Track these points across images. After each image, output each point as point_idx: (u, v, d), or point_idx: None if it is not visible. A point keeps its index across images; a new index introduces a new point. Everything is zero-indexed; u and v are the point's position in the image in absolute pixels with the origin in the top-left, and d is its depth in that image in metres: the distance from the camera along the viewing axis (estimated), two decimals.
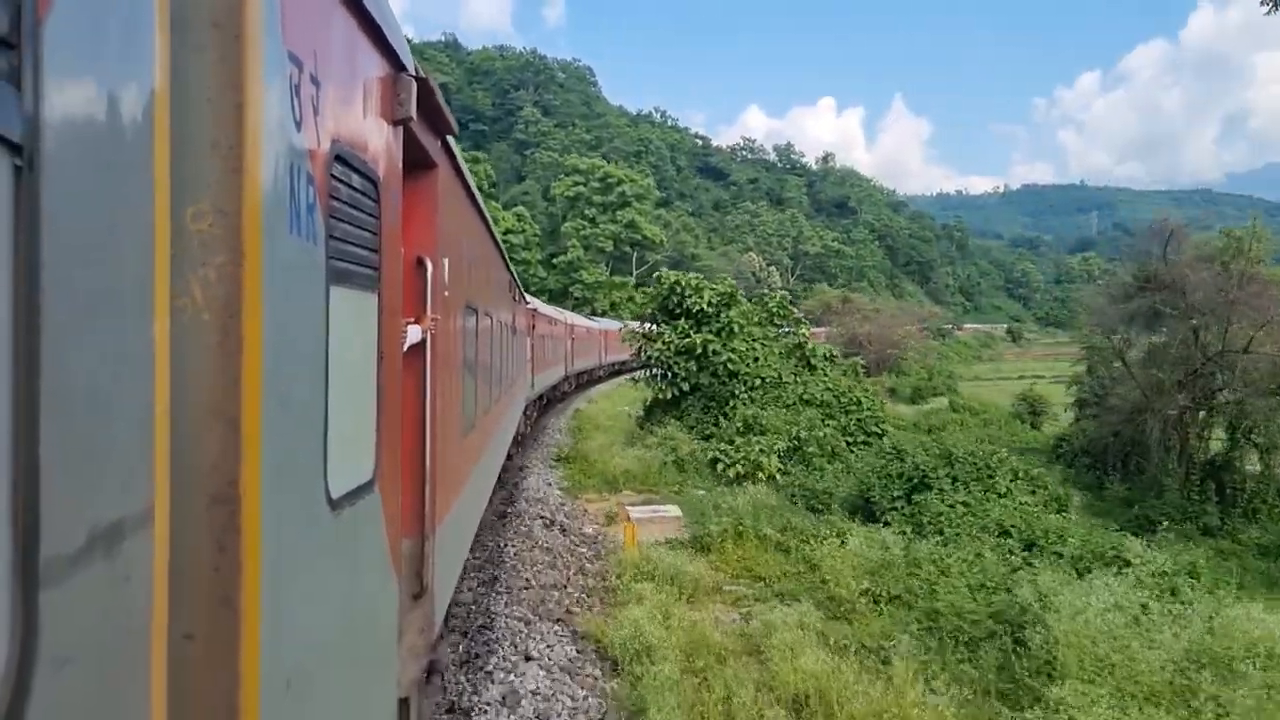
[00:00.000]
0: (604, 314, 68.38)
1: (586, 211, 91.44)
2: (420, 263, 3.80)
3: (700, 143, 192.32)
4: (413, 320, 3.65)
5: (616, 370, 45.27)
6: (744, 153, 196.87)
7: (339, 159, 2.22)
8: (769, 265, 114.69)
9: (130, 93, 1.29)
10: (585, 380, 37.32)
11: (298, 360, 1.92)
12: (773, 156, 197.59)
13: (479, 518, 7.88)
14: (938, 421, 37.29)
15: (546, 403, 25.96)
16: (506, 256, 10.16)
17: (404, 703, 3.40)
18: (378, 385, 2.72)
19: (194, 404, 1.52)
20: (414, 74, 3.08)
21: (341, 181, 2.27)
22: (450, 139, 4.27)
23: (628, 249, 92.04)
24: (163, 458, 1.40)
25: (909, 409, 45.14)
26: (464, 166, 4.99)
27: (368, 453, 2.60)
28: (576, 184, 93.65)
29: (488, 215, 6.87)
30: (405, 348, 3.42)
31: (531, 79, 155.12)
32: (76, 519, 1.13)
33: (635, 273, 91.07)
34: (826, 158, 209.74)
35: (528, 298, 17.25)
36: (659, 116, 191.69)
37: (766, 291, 49.24)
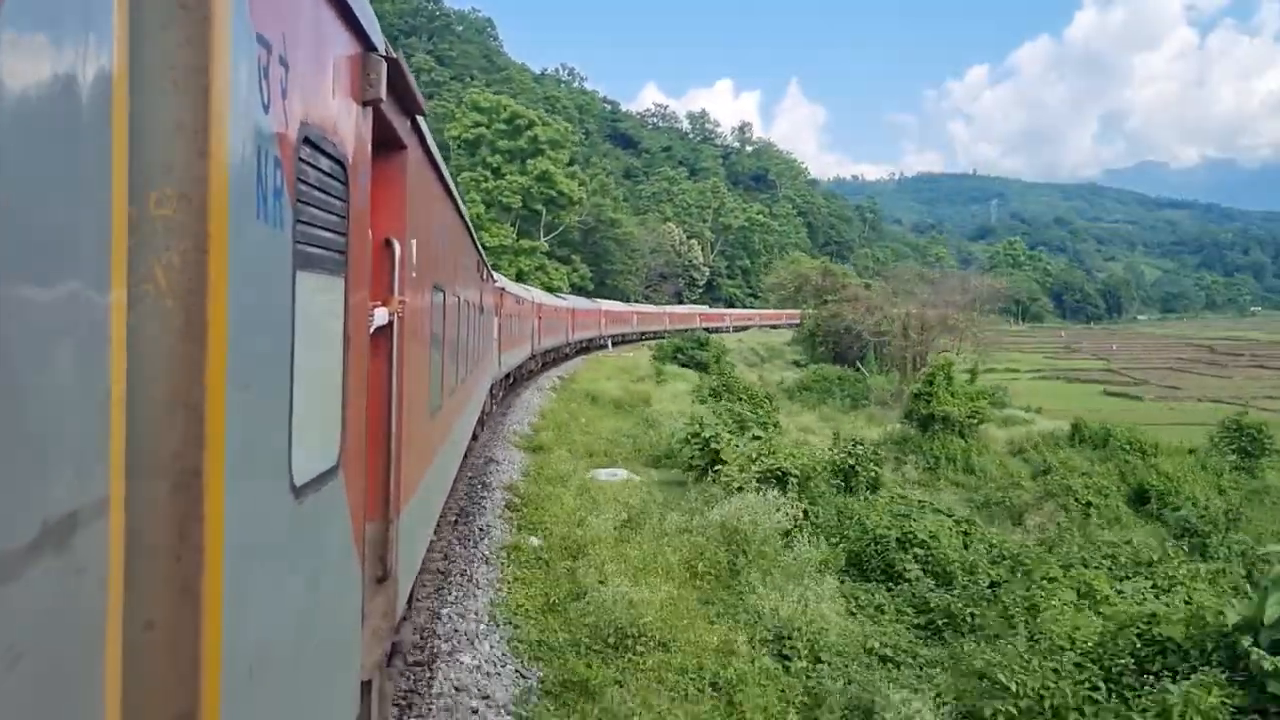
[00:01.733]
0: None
1: (490, 159, 75.97)
2: (388, 244, 3.77)
3: (609, 107, 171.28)
4: (379, 303, 3.62)
5: (584, 348, 45.09)
6: (654, 120, 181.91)
7: (307, 142, 2.20)
8: (690, 238, 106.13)
9: (89, 73, 1.26)
10: (552, 359, 37.05)
11: (262, 347, 1.90)
12: (686, 125, 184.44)
13: (444, 500, 7.88)
14: (1111, 470, 24.23)
15: (513, 381, 25.78)
16: (475, 236, 10.09)
17: (366, 685, 3.43)
18: (343, 371, 2.71)
19: (157, 391, 1.51)
20: (384, 54, 3.04)
21: (310, 165, 2.24)
22: (420, 119, 4.22)
23: (539, 206, 76.10)
24: (119, 446, 1.39)
25: (1000, 432, 31.87)
26: (433, 147, 4.95)
27: (333, 439, 2.59)
28: (477, 124, 77.32)
29: (456, 195, 6.82)
30: (371, 330, 3.40)
31: (425, 25, 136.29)
32: (27, 511, 1.12)
33: (546, 237, 77.76)
34: (743, 128, 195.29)
35: (496, 276, 17.16)
36: (566, 74, 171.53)
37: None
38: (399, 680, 5.58)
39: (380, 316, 3.59)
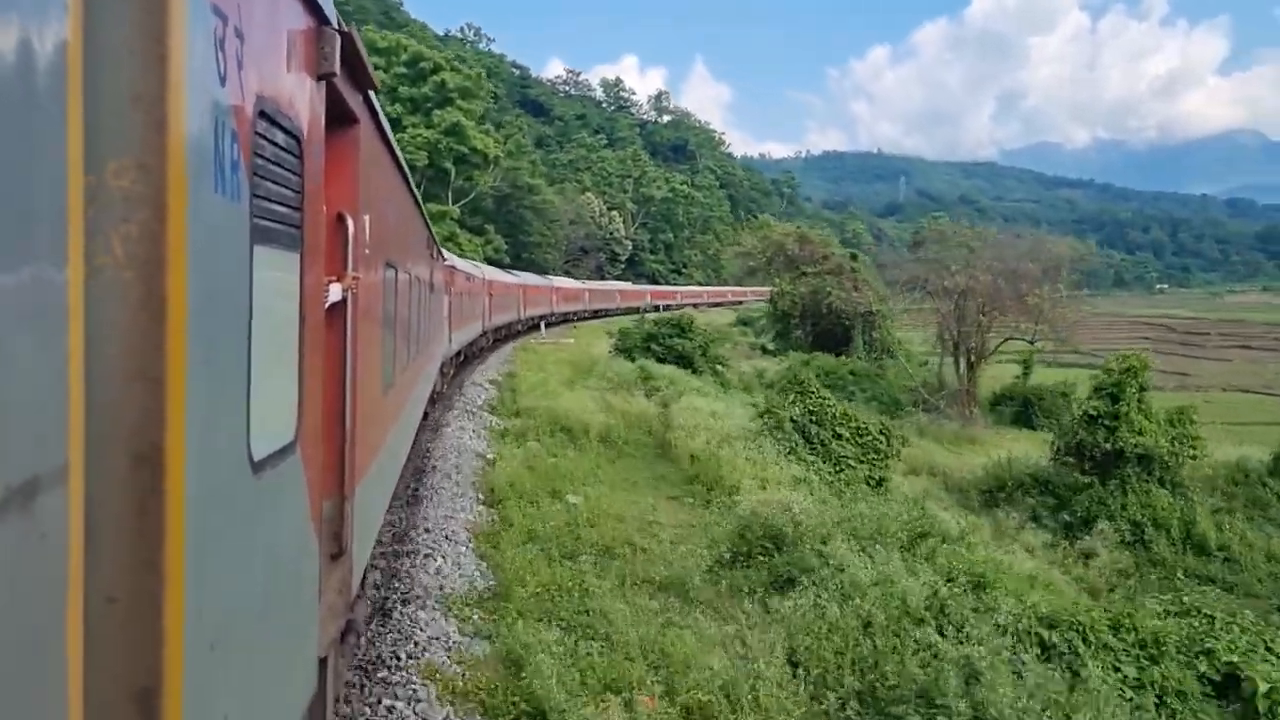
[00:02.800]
0: None
1: (389, 109, 61.95)
2: (341, 219, 3.74)
3: (518, 72, 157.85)
4: (333, 279, 3.59)
5: (533, 325, 44.68)
6: (566, 88, 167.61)
7: (263, 115, 2.19)
8: (610, 209, 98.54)
9: (42, 43, 1.25)
10: (504, 335, 36.61)
11: (221, 321, 1.90)
12: (600, 94, 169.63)
13: (397, 476, 7.83)
14: None
15: (464, 359, 25.44)
16: (425, 213, 9.99)
17: (322, 662, 3.44)
18: (300, 347, 2.70)
19: (115, 363, 1.50)
20: (337, 27, 3.02)
21: (265, 138, 2.23)
22: (372, 94, 4.19)
23: (447, 165, 66.15)
24: (78, 417, 1.39)
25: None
26: (385, 122, 4.90)
27: (290, 414, 2.60)
28: (375, 69, 69.69)
29: (407, 171, 6.76)
30: (325, 307, 3.38)
31: None
32: None
33: (457, 203, 69.49)
34: (659, 96, 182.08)
35: (446, 254, 16.94)
36: (472, 34, 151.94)
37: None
38: (352, 658, 5.56)
39: (334, 292, 3.56)
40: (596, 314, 63.96)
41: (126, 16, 1.50)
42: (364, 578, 5.06)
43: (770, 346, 49.98)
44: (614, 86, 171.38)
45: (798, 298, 47.85)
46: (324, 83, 3.01)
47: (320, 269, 3.10)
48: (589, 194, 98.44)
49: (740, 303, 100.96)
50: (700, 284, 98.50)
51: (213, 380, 1.81)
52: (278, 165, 2.38)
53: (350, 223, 3.75)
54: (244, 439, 2.06)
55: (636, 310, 74.77)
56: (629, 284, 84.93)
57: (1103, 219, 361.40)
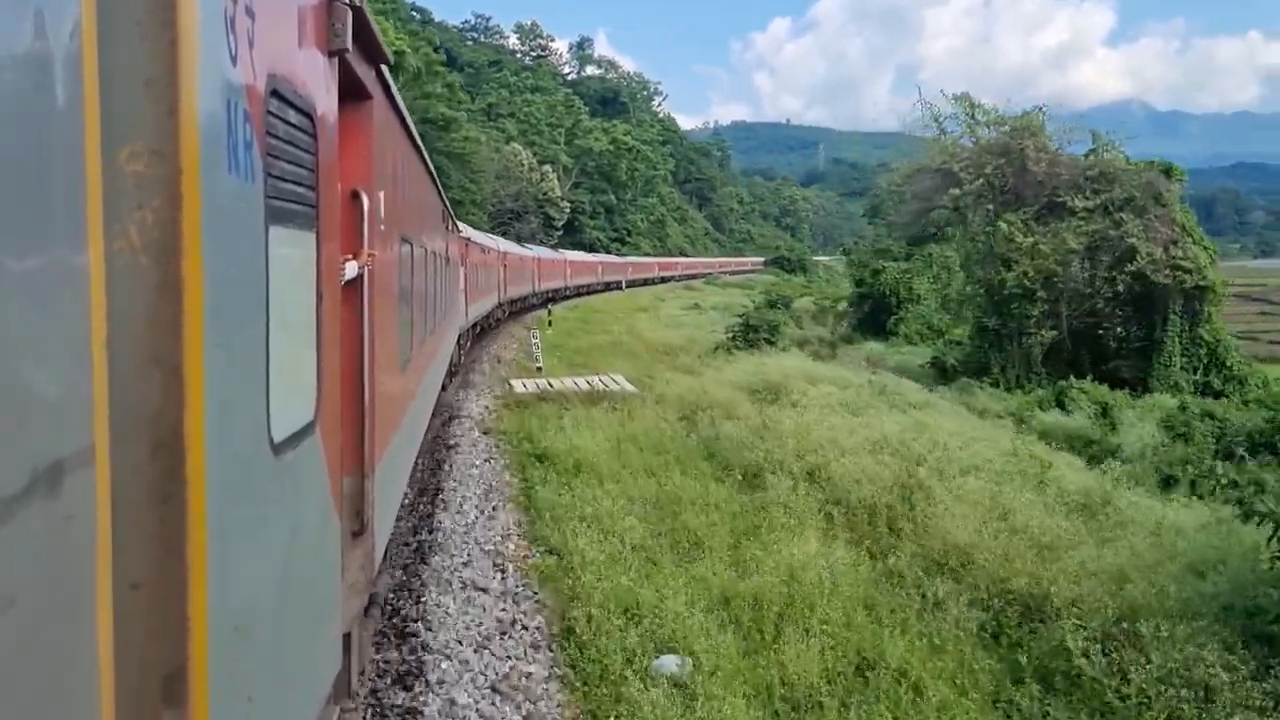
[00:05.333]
0: None
1: None
2: (356, 196, 3.72)
3: (419, 16, 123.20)
4: (349, 256, 3.57)
5: (550, 298, 44.57)
6: (474, 35, 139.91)
7: (275, 94, 2.17)
8: (542, 164, 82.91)
9: (58, 29, 1.24)
10: (519, 308, 36.82)
11: (238, 303, 1.90)
12: (515, 41, 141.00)
13: (415, 452, 7.82)
14: None
15: (480, 330, 25.76)
16: (440, 185, 9.91)
17: (346, 638, 3.49)
18: (317, 326, 2.70)
19: (134, 350, 1.50)
20: (348, 1, 2.98)
21: (278, 117, 2.22)
22: (385, 68, 4.13)
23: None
24: (102, 402, 1.39)
25: None
26: (398, 97, 4.86)
27: (309, 394, 2.60)
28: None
29: (421, 145, 6.70)
30: (342, 284, 3.38)
31: None
32: (18, 460, 1.13)
33: None
34: (583, 44, 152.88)
35: (461, 226, 17.00)
36: None
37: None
38: (374, 632, 5.59)
39: (350, 270, 3.55)
40: (608, 287, 63.30)
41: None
42: (385, 553, 5.08)
43: (956, 362, 25.48)
44: (531, 33, 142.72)
45: (1050, 260, 24.27)
46: (336, 59, 2.98)
47: (336, 247, 3.10)
48: (515, 144, 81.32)
49: (743, 273, 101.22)
50: (647, 254, 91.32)
51: (231, 363, 1.82)
52: (291, 144, 2.37)
53: (365, 199, 3.73)
54: (264, 420, 2.06)
55: (648, 281, 75.13)
56: (638, 258, 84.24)
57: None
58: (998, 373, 24.29)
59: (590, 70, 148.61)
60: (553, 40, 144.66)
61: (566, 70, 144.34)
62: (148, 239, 1.51)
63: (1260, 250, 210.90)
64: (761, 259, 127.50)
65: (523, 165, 77.51)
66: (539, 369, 20.62)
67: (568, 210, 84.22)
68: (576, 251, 63.45)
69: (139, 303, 1.50)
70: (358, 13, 3.08)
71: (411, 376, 6.22)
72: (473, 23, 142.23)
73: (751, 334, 25.98)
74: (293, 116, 2.36)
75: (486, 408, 16.38)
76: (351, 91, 3.54)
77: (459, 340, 17.16)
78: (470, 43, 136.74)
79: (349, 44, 2.96)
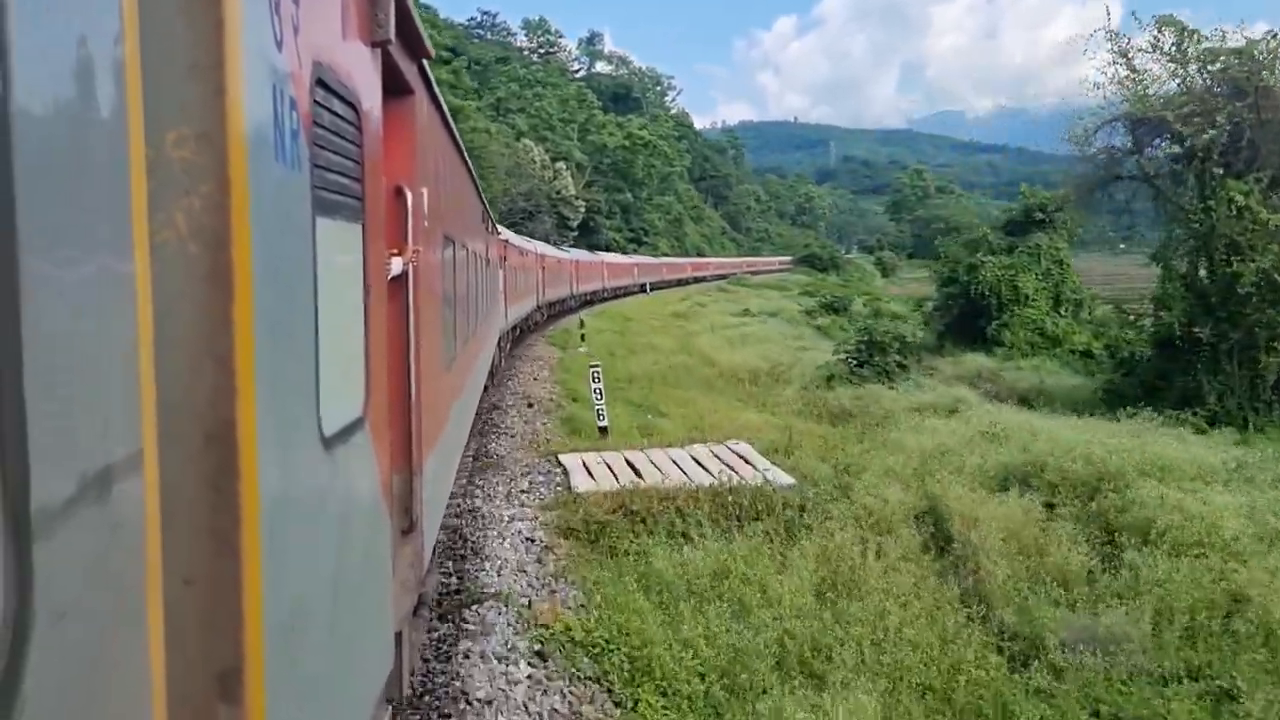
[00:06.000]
0: None
1: None
2: (399, 192, 3.69)
3: (424, 12, 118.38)
4: (395, 252, 3.55)
5: (587, 300, 44.45)
6: (481, 32, 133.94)
7: (320, 83, 2.12)
8: (555, 160, 78.22)
9: (101, 12, 1.21)
10: (557, 311, 36.44)
11: (288, 294, 1.86)
12: (522, 39, 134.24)
13: (460, 453, 7.78)
14: None
15: (520, 333, 25.46)
16: (479, 186, 9.92)
17: (397, 637, 3.47)
18: (365, 320, 2.67)
19: (184, 342, 1.46)
20: None
21: (323, 106, 2.17)
22: (426, 62, 4.11)
23: None
24: (149, 398, 1.35)
25: None
26: (439, 93, 4.83)
27: (358, 388, 2.57)
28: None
29: (462, 144, 6.71)
30: (387, 280, 3.36)
31: None
32: (64, 466, 1.10)
33: None
34: (592, 39, 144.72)
35: (499, 228, 16.89)
36: None
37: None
38: (424, 631, 5.57)
39: (395, 266, 3.52)
40: (643, 289, 62.90)
41: None
42: (433, 552, 5.07)
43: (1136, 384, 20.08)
44: (538, 28, 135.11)
45: None
46: (379, 50, 2.94)
47: (382, 242, 3.06)
48: (526, 140, 77.68)
49: (769, 272, 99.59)
50: (665, 254, 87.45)
51: (282, 355, 1.78)
52: (337, 135, 2.33)
53: (409, 195, 3.70)
54: (314, 414, 2.02)
55: (681, 282, 73.97)
56: (671, 259, 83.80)
57: (1034, 180, 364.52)
58: (1214, 403, 17.59)
59: (601, 67, 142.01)
60: (561, 37, 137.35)
61: (576, 67, 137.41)
62: (196, 226, 1.47)
63: None
64: (786, 258, 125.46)
65: (534, 162, 72.95)
66: (604, 429, 13.75)
67: (583, 209, 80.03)
68: (611, 253, 63.43)
69: (188, 293, 1.46)
70: (400, 4, 3.05)
71: (456, 376, 6.20)
72: (479, 20, 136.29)
73: (878, 356, 19.98)
74: (338, 107, 2.32)
75: (528, 539, 8.61)
76: (394, 85, 3.51)
77: (499, 343, 17.08)
78: (476, 40, 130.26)
79: (392, 35, 2.92)
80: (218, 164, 1.49)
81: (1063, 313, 29.94)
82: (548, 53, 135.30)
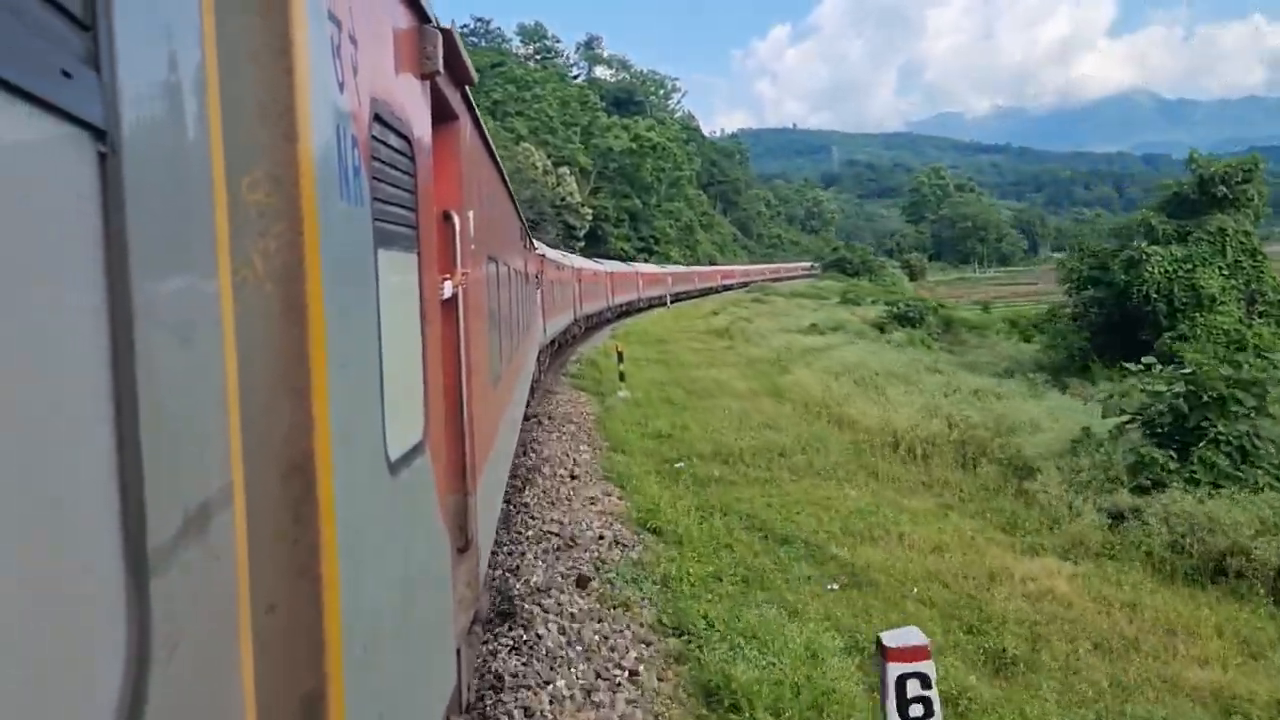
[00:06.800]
0: None
1: None
2: (447, 217, 3.76)
3: None
4: (445, 276, 3.62)
5: (624, 312, 44.45)
6: (474, 39, 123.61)
7: (378, 119, 2.20)
8: (558, 165, 73.14)
9: (187, 65, 1.27)
10: (594, 323, 36.31)
11: (355, 328, 1.93)
12: (517, 44, 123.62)
13: (508, 469, 7.90)
14: None
15: (558, 347, 25.22)
16: (518, 204, 10.00)
17: (455, 654, 3.54)
18: (423, 346, 2.74)
19: (263, 377, 1.53)
20: (437, 25, 3.03)
21: (381, 142, 2.25)
22: (468, 88, 4.17)
23: None
24: (237, 433, 1.41)
25: None
26: (480, 116, 4.88)
27: (418, 413, 2.63)
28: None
29: (500, 162, 6.80)
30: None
31: None
32: (174, 504, 1.15)
33: None
34: (590, 43, 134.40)
35: (536, 244, 16.67)
36: None
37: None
38: (479, 648, 5.62)
39: (446, 289, 3.60)
40: (677, 298, 62.78)
41: (253, 28, 1.52)
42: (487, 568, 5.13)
43: None
44: (535, 34, 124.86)
45: None
46: (428, 82, 3.02)
47: (435, 268, 3.14)
48: (526, 144, 71.72)
49: (793, 279, 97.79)
50: (678, 263, 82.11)
51: (352, 386, 1.84)
52: (393, 168, 2.40)
53: (456, 220, 3.77)
54: (381, 441, 2.08)
55: (711, 291, 73.02)
56: (704, 268, 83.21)
57: (1041, 179, 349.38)
58: None
59: (600, 72, 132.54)
60: (558, 42, 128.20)
61: (575, 73, 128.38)
62: (271, 266, 1.53)
63: None
64: (807, 263, 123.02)
65: (536, 167, 68.00)
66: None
67: (589, 217, 75.23)
68: (645, 264, 63.40)
69: (266, 330, 1.53)
70: (447, 36, 3.13)
71: (503, 393, 6.29)
72: (472, 26, 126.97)
73: (1218, 424, 10.47)
74: (393, 140, 2.40)
75: None
76: (440, 113, 3.59)
77: (538, 357, 17.06)
78: (471, 48, 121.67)
79: (440, 67, 3.00)
80: (290, 206, 1.55)
81: (1258, 318, 22.39)
82: (545, 58, 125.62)
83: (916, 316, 35.54)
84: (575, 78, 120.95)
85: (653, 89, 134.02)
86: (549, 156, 72.14)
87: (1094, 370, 21.63)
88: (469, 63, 3.74)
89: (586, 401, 17.86)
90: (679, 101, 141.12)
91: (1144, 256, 23.45)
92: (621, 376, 19.15)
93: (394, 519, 2.24)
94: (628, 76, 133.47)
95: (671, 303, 58.45)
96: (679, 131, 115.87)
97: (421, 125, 2.86)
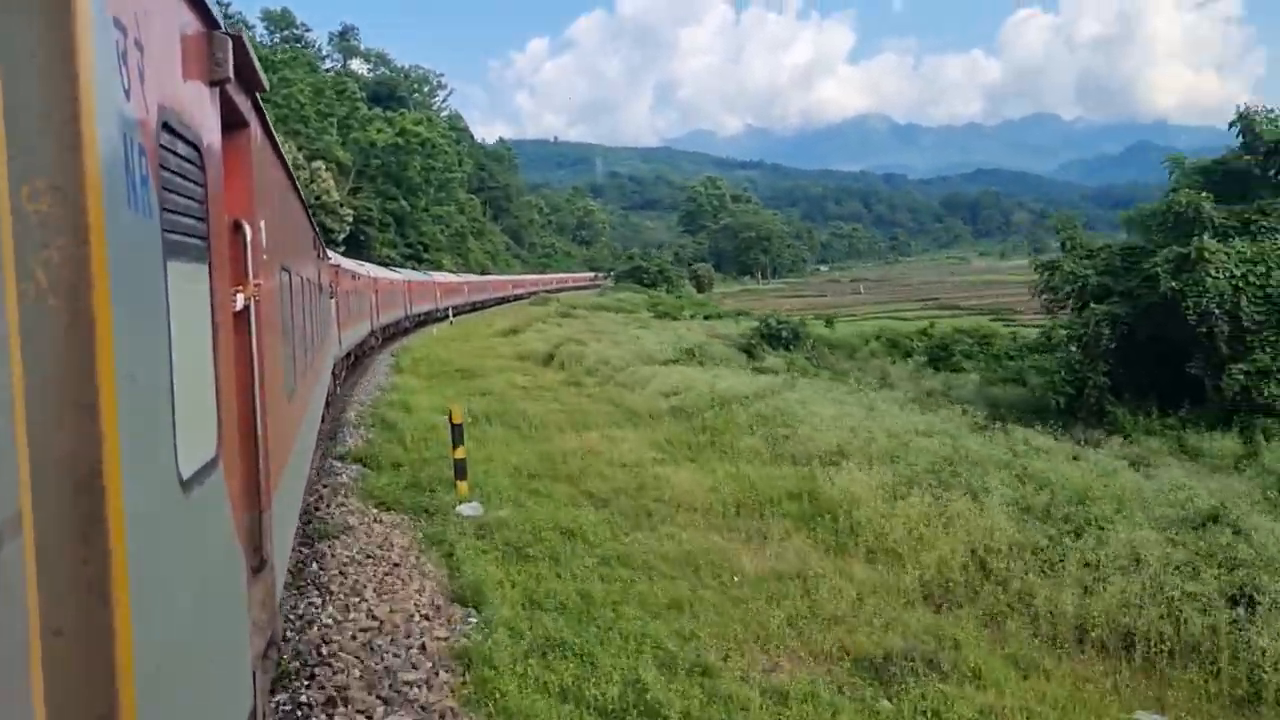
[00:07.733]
0: None
1: None
2: (238, 226, 3.63)
3: None
4: (236, 287, 3.51)
5: (422, 321, 43.59)
6: None
7: (166, 127, 2.15)
8: (312, 160, 64.03)
9: None
10: (391, 334, 35.41)
11: (144, 341, 1.88)
12: (260, 30, 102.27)
13: (304, 486, 7.52)
14: None
15: (354, 360, 24.28)
16: (309, 211, 9.63)
17: (253, 677, 3.43)
18: (214, 359, 2.68)
19: (50, 393, 1.48)
20: (226, 31, 2.96)
21: (170, 151, 2.20)
22: (259, 95, 4.05)
23: None
24: (23, 452, 1.38)
25: None
26: (271, 123, 4.76)
27: (211, 430, 2.58)
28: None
29: (292, 171, 6.58)
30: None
31: None
32: None
33: None
34: (345, 33, 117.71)
35: (329, 254, 16.25)
36: None
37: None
38: (275, 672, 5.24)
39: (238, 301, 3.50)
40: (475, 307, 62.18)
41: (34, 35, 1.47)
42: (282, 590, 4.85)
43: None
44: (282, 21, 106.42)
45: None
46: (218, 89, 2.96)
47: (226, 279, 3.06)
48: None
49: (579, 289, 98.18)
50: (451, 272, 75.78)
51: (141, 401, 1.80)
52: (182, 177, 2.35)
53: (248, 229, 3.67)
54: (173, 457, 2.04)
55: (504, 300, 72.32)
56: (497, 277, 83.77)
57: (795, 195, 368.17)
58: None
59: (357, 65, 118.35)
60: (309, 31, 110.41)
61: (328, 66, 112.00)
62: (55, 280, 1.49)
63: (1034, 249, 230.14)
64: (591, 273, 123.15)
65: (289, 160, 58.10)
66: None
67: (350, 219, 67.51)
68: (445, 273, 62.75)
69: (51, 345, 1.49)
70: (238, 42, 3.07)
71: (297, 408, 6.09)
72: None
73: None
74: (182, 149, 2.35)
75: None
76: (231, 120, 3.49)
77: (334, 370, 16.38)
78: None
79: (230, 74, 2.94)
80: (74, 216, 1.50)
81: None
82: (294, 47, 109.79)
83: (790, 336, 30.69)
84: (328, 71, 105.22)
85: (417, 85, 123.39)
86: (300, 149, 63.15)
87: (1120, 418, 16.39)
88: (260, 69, 3.64)
89: (401, 529, 9.23)
90: (445, 100, 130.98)
91: (1202, 256, 16.85)
92: (459, 470, 10.52)
93: (187, 538, 2.19)
94: (387, 71, 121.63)
95: (455, 316, 52.93)
96: (448, 130, 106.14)
97: (211, 133, 2.79)
